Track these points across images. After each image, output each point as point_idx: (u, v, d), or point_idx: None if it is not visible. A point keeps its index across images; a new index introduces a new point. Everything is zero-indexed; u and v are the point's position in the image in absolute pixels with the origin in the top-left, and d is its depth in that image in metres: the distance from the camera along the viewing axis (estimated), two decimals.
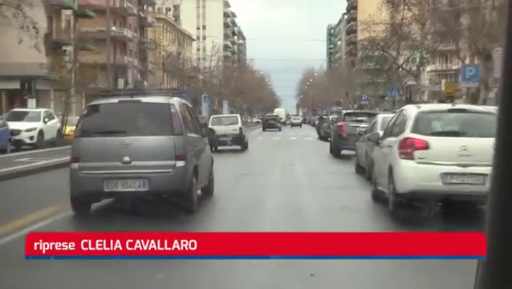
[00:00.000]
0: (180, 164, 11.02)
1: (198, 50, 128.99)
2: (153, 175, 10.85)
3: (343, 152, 26.56)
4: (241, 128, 33.13)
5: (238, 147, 32.01)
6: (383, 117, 17.74)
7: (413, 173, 10.45)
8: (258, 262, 5.52)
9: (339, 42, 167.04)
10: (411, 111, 11.56)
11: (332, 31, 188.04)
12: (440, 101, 61.75)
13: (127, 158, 10.93)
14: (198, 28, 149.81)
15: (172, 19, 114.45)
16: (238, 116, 37.74)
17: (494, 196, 1.38)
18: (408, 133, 10.83)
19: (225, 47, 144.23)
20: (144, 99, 12.08)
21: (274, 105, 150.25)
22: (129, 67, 78.31)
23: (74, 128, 36.40)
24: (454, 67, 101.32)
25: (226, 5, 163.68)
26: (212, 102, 63.74)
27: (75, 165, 11.18)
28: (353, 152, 24.38)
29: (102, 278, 6.65)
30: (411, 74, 53.72)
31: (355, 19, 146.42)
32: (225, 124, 33.01)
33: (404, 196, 10.49)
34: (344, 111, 29.45)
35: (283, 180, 17.79)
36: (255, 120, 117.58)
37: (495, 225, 1.39)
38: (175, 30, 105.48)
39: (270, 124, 74.93)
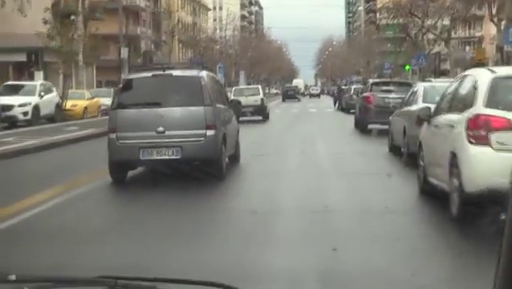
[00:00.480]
0: (210, 133, 11.64)
1: (215, 20, 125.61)
2: (186, 143, 11.49)
3: (370, 126, 23.50)
4: (262, 99, 33.71)
5: (260, 117, 32.33)
6: (424, 87, 14.53)
7: (489, 165, 7.41)
8: None
9: (359, 8, 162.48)
10: (482, 76, 8.30)
11: (351, 0, 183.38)
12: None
13: (161, 128, 11.55)
14: None
15: None
16: (260, 86, 38.50)
17: None
18: (480, 108, 7.76)
19: (242, 17, 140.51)
20: (176, 73, 12.77)
21: (292, 76, 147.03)
22: (142, 38, 75.21)
23: (78, 102, 33.82)
24: (477, 34, 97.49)
25: None
26: (225, 72, 60.57)
27: (113, 135, 11.81)
28: (381, 127, 21.89)
29: None
30: (441, 39, 49.98)
31: None
32: (247, 96, 33.29)
33: (474, 196, 7.39)
34: (371, 81, 26.28)
35: (303, 163, 14.93)
36: (274, 90, 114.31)
37: None
38: None
39: (290, 95, 75.76)
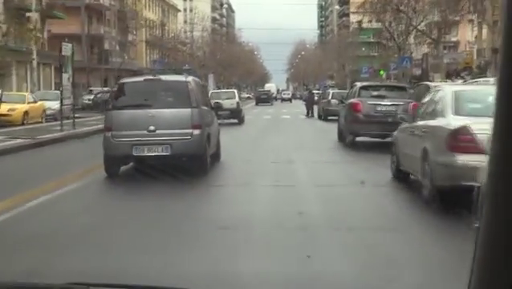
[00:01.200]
0: (196, 132, 12.81)
1: (185, 22, 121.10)
2: (174, 141, 12.64)
3: (358, 138, 19.37)
4: (238, 103, 34.17)
5: (236, 120, 32.50)
6: (455, 92, 9.69)
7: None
8: None
9: (332, 11, 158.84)
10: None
11: (323, 4, 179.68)
12: (457, 74, 54.37)
13: (152, 127, 12.67)
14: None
15: None
16: (235, 91, 38.69)
17: (491, 190, 1.32)
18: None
19: (213, 20, 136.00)
20: (165, 78, 14.01)
21: (264, 80, 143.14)
22: (106, 38, 70.49)
23: (17, 105, 29.08)
24: (453, 39, 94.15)
25: None
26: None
27: (109, 134, 12.91)
28: (371, 140, 19.10)
29: None
30: (431, 38, 45.83)
31: None
32: (223, 99, 33.25)
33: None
34: (359, 84, 21.91)
35: (278, 201, 10.45)
36: (245, 95, 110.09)
37: (490, 219, 1.32)
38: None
39: (263, 99, 77.33)
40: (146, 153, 12.62)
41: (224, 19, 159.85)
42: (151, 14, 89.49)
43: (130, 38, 79.39)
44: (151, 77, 13.78)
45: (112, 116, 13.06)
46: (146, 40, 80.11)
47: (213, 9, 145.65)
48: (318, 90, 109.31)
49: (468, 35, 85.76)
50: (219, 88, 66.58)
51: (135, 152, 12.64)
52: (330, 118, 33.38)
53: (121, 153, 12.75)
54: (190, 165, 12.76)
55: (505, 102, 1.32)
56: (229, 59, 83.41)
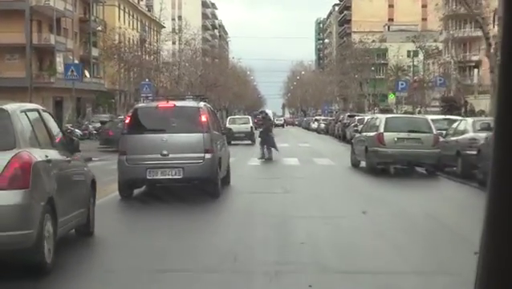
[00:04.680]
0: (208, 156, 12.82)
1: (174, 43, 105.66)
2: (187, 165, 12.67)
3: None
4: (251, 127, 39.10)
5: (249, 141, 35.98)
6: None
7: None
8: None
9: (329, 37, 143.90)
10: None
11: (321, 25, 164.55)
12: None
13: (165, 151, 12.74)
14: (173, 19, 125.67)
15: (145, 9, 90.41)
16: (250, 117, 44.15)
17: (494, 192, 1.32)
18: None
19: (204, 40, 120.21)
20: (179, 104, 14.25)
21: (258, 105, 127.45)
22: (59, 51, 54.44)
23: None
24: (474, 58, 78.42)
25: None
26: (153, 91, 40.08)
27: (123, 157, 12.99)
28: None
29: None
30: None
31: (348, 7, 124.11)
32: (239, 124, 39.05)
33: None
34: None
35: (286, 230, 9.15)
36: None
37: (493, 223, 1.33)
38: (137, 12, 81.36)
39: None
40: (159, 176, 12.73)
41: (216, 41, 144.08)
42: (127, 26, 73.81)
43: (96, 53, 63.32)
44: (164, 103, 14.07)
45: (127, 141, 13.16)
46: (119, 56, 63.78)
47: (204, 28, 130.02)
48: (319, 115, 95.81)
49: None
50: None
51: (149, 176, 12.72)
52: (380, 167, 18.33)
53: (135, 176, 12.86)
54: (202, 189, 12.80)
55: (504, 103, 1.30)
56: (215, 79, 67.25)
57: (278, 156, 26.70)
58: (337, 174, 18.92)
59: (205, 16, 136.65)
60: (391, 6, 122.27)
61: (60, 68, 54.42)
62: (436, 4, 61.03)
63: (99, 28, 61.16)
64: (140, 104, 15.41)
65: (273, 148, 23.46)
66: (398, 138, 17.36)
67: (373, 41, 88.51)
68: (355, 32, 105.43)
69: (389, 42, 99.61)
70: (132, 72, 59.86)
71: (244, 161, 22.64)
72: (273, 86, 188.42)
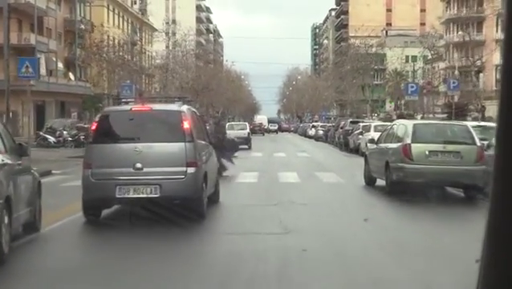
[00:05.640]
0: (191, 170, 10.67)
1: (167, 47, 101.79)
2: (165, 181, 10.53)
3: None
4: (248, 133, 43.06)
5: (246, 146, 36.71)
6: None
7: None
8: None
9: (325, 41, 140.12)
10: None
11: (317, 30, 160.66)
12: None
13: (139, 164, 10.59)
14: (167, 23, 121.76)
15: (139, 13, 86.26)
16: (247, 123, 49.58)
17: (496, 194, 1.31)
18: None
19: (198, 44, 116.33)
20: (156, 107, 12.04)
21: (253, 110, 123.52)
22: (41, 51, 50.39)
23: None
24: (478, 62, 74.87)
25: None
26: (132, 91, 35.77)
27: (88, 172, 10.82)
28: None
29: None
30: None
31: (346, 12, 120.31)
32: (237, 130, 42.09)
33: None
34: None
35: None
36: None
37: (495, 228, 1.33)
38: (127, 14, 77.32)
39: (255, 130, 74.81)
40: (131, 195, 10.51)
41: (210, 45, 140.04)
42: (116, 28, 69.79)
43: (82, 53, 59.21)
44: (139, 106, 11.79)
45: (93, 151, 11.06)
46: (107, 60, 59.44)
47: (199, 32, 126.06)
48: (316, 121, 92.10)
49: (495, 57, 67.25)
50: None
51: (118, 194, 10.51)
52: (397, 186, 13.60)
53: (102, 195, 10.66)
54: (184, 210, 10.27)
55: (507, 106, 1.29)
56: (207, 83, 63.02)
57: (276, 167, 22.57)
58: (351, 198, 14.67)
59: (199, 20, 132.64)
60: (389, 10, 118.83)
61: (42, 70, 50.45)
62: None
63: (82, 26, 56.91)
64: (110, 108, 13.08)
65: (227, 161, 18.58)
66: (430, 151, 13.20)
67: (371, 46, 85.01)
68: (352, 37, 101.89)
69: (388, 47, 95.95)
70: (116, 74, 55.68)
71: (233, 178, 18.34)
72: (268, 91, 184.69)
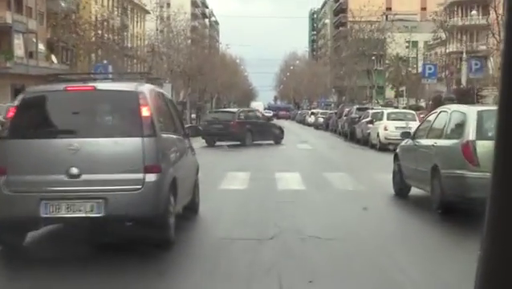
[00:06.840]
0: (150, 178, 7.15)
1: (161, 31, 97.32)
2: (112, 194, 7.06)
3: None
4: None
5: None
6: None
7: None
8: None
9: (324, 24, 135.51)
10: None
11: (315, 16, 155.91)
12: None
13: (75, 170, 7.15)
14: (162, 6, 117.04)
15: None
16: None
17: (495, 195, 1.29)
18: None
19: (193, 29, 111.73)
20: (102, 86, 8.25)
21: (249, 97, 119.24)
22: (18, 31, 45.95)
23: None
24: (482, 47, 70.30)
25: None
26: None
27: (1, 180, 7.24)
28: None
29: None
30: None
31: None
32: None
33: None
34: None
35: None
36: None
37: (494, 225, 1.31)
38: None
39: None
40: (63, 214, 7.03)
41: (206, 31, 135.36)
42: (104, 8, 65.21)
43: (62, 34, 54.43)
44: (77, 85, 8.02)
45: (8, 150, 7.37)
46: (95, 43, 54.74)
47: (194, 17, 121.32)
48: (314, 108, 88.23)
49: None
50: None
51: (44, 212, 7.05)
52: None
53: (20, 213, 7.14)
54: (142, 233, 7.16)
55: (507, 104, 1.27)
56: (199, 66, 58.48)
57: (272, 165, 18.29)
58: (390, 225, 9.65)
59: (194, 4, 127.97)
60: None
61: (20, 52, 46.03)
62: None
63: (63, 4, 52.18)
64: (36, 87, 8.64)
65: None
66: None
67: (371, 30, 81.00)
68: (351, 21, 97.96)
69: (389, 32, 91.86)
70: (95, 55, 51.06)
71: (215, 182, 13.86)
72: (265, 77, 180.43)
